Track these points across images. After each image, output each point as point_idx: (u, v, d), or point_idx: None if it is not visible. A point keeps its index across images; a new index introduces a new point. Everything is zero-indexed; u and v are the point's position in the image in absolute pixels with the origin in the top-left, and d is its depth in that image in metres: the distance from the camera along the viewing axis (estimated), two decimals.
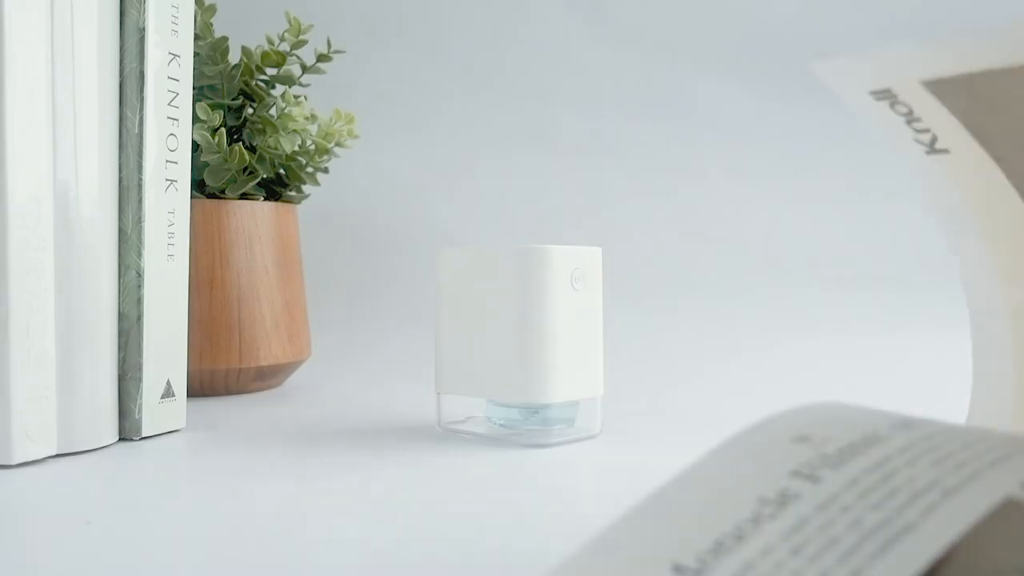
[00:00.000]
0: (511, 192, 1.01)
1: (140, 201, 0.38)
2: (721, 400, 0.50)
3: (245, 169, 0.52)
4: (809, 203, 1.12)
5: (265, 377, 0.53)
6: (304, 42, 0.54)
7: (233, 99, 0.53)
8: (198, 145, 0.50)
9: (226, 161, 0.50)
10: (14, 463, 0.33)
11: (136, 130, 0.38)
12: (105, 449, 0.37)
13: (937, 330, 0.88)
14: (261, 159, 0.53)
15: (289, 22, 0.53)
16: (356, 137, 0.57)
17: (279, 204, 0.54)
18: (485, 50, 1.05)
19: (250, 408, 0.48)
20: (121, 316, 0.38)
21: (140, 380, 0.39)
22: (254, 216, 0.52)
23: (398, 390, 0.54)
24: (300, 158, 0.55)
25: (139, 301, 0.38)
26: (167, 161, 0.40)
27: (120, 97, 0.38)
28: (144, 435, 0.39)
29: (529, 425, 0.38)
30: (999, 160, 0.14)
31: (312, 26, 0.54)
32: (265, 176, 0.54)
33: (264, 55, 0.53)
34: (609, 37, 1.11)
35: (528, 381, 0.36)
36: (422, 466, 0.34)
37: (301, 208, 0.64)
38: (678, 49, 1.12)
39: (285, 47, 0.54)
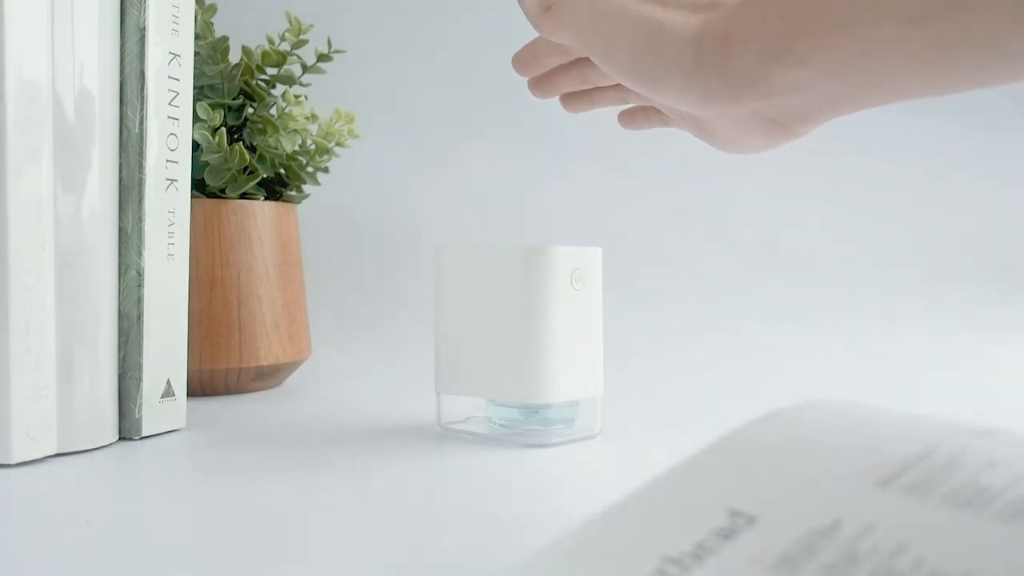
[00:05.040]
0: (511, 191, 1.01)
1: (140, 201, 0.38)
2: (721, 400, 0.50)
3: (245, 169, 0.52)
4: (810, 203, 1.12)
5: (265, 377, 0.53)
6: (304, 42, 0.54)
7: (233, 99, 0.53)
8: (198, 145, 0.50)
9: (226, 161, 0.50)
10: (14, 462, 0.33)
11: (136, 130, 0.38)
12: (105, 448, 0.37)
13: (936, 329, 0.88)
14: (261, 159, 0.53)
15: (289, 22, 0.53)
16: (356, 137, 0.57)
17: (279, 204, 0.54)
18: (485, 49, 1.05)
19: (250, 408, 0.48)
20: (121, 316, 0.38)
21: (140, 380, 0.39)
22: (254, 216, 0.52)
23: (398, 390, 0.54)
24: (300, 158, 0.55)
25: (139, 301, 0.38)
26: (167, 160, 0.40)
27: (120, 97, 0.38)
28: (144, 434, 0.39)
29: (529, 425, 0.38)
30: None
31: (312, 26, 0.54)
32: (265, 176, 0.54)
33: (264, 55, 0.53)
34: None
35: (528, 381, 0.36)
36: (422, 466, 0.34)
37: (301, 208, 0.64)
38: None
39: (285, 47, 0.54)
